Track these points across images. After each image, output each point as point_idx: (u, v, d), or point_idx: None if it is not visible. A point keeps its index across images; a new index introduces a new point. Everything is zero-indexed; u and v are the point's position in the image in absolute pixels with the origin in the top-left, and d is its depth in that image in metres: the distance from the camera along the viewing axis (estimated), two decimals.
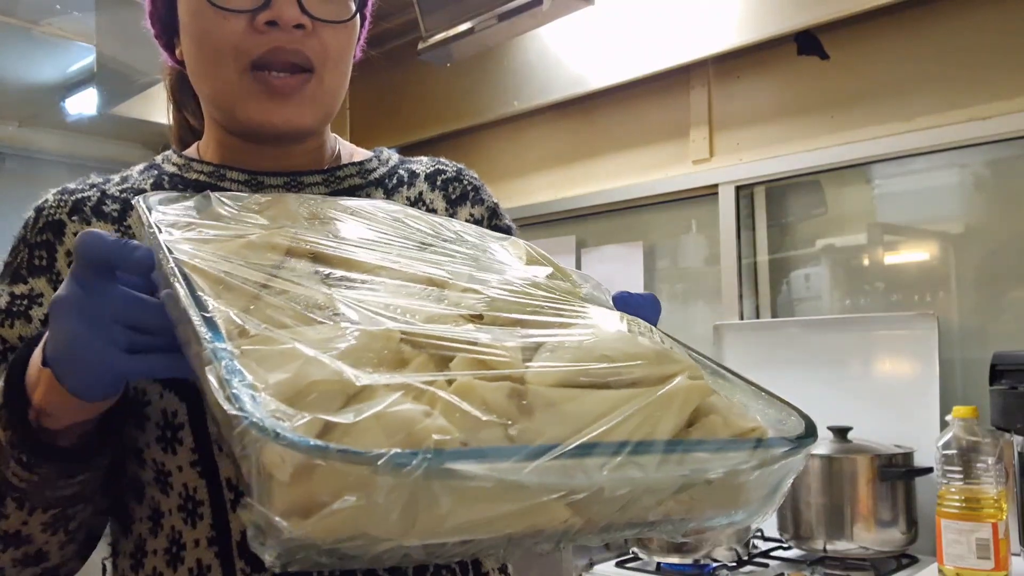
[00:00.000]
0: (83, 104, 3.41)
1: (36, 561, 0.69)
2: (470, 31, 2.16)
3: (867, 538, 1.56)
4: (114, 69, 2.57)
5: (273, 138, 0.76)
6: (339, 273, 0.53)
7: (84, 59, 3.10)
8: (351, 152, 0.86)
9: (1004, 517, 1.36)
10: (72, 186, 0.80)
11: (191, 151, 0.84)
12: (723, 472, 0.45)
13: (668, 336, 0.58)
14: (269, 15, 0.69)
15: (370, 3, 0.80)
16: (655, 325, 0.59)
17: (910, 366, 1.74)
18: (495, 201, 0.90)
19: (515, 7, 2.09)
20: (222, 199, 0.62)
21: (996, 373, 1.47)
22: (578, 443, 0.40)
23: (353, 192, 0.80)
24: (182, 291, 0.47)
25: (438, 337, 0.47)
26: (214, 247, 0.53)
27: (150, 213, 0.58)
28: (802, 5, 1.92)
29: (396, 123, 2.92)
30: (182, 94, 0.87)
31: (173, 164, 0.82)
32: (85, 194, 0.78)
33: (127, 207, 0.77)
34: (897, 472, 1.57)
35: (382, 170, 0.84)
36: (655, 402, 0.45)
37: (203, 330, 0.44)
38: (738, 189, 2.11)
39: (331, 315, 0.48)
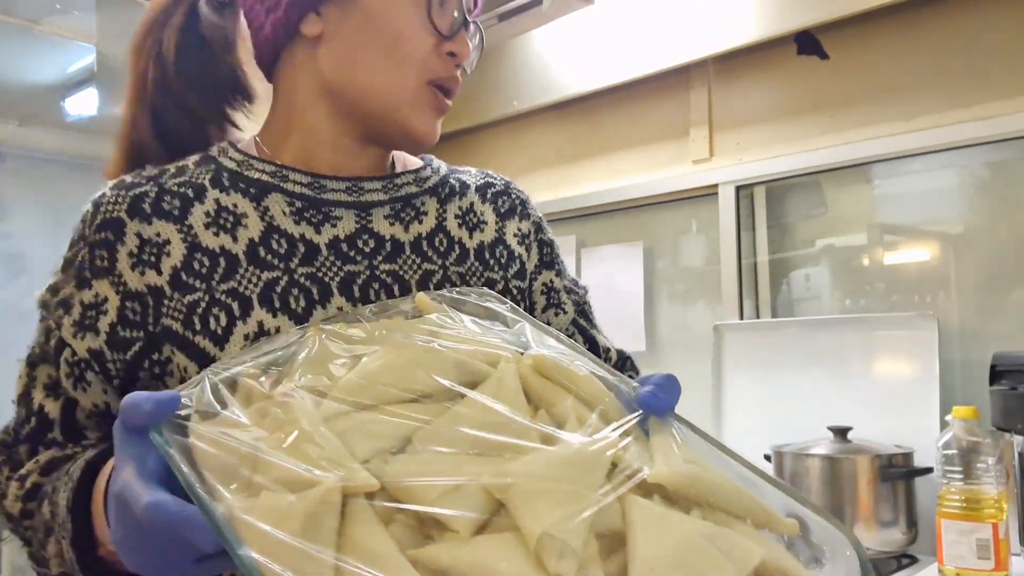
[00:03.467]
0: (83, 104, 3.41)
1: None
2: None
3: (867, 538, 1.56)
4: (114, 69, 2.58)
5: (410, 147, 0.82)
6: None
7: (84, 59, 3.10)
8: (404, 160, 0.87)
9: (1004, 517, 1.36)
10: (128, 179, 0.78)
11: (246, 146, 0.82)
12: None
13: (713, 443, 0.54)
14: (454, 47, 0.77)
15: None
16: (673, 408, 0.55)
17: (910, 366, 1.74)
18: (540, 215, 0.91)
19: (515, 7, 2.09)
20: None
21: (996, 373, 1.47)
22: None
23: (409, 201, 0.82)
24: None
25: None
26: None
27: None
28: (802, 5, 1.92)
29: None
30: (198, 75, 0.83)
31: (231, 159, 0.80)
32: (142, 189, 0.76)
33: (187, 203, 0.76)
34: (897, 472, 1.57)
35: (435, 179, 0.85)
36: None
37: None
38: (738, 189, 2.11)
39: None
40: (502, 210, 0.87)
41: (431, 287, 0.77)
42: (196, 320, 0.72)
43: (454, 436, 0.48)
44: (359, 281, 0.75)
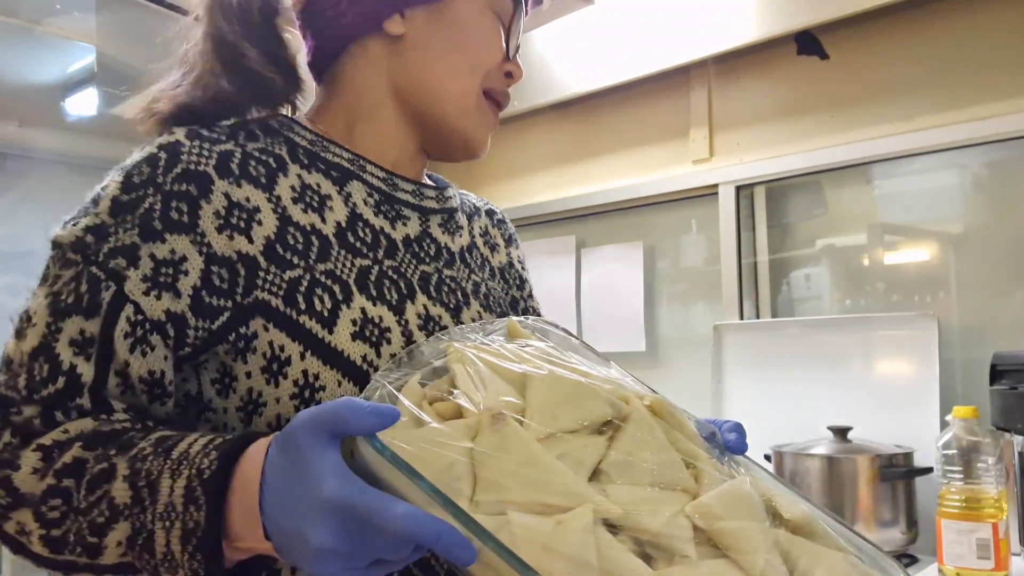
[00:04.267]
0: (83, 104, 3.41)
1: None
2: None
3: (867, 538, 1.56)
4: (114, 69, 2.58)
5: (463, 155, 0.84)
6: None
7: (84, 59, 3.11)
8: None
9: (1004, 517, 1.36)
10: (206, 133, 0.73)
11: (311, 124, 0.81)
12: None
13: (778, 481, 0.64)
14: (512, 68, 0.83)
15: None
16: (744, 452, 0.68)
17: (910, 366, 1.74)
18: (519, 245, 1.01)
19: None
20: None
21: (996, 373, 1.47)
22: None
23: (452, 214, 0.86)
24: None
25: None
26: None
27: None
28: (802, 5, 1.92)
29: None
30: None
31: (301, 136, 0.79)
32: (227, 147, 0.72)
33: (272, 173, 0.73)
34: (897, 472, 1.57)
35: (456, 197, 0.90)
36: None
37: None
38: (738, 189, 2.11)
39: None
40: (506, 236, 0.97)
41: (482, 297, 0.83)
42: (300, 298, 0.69)
43: (640, 468, 0.54)
44: (433, 281, 0.78)
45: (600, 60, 2.30)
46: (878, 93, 1.90)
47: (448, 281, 0.80)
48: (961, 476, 1.39)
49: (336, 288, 0.71)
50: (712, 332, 2.03)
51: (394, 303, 0.73)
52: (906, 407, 1.70)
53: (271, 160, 0.74)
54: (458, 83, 0.79)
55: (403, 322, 0.72)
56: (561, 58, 2.40)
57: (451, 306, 0.78)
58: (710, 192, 2.16)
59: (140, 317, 0.65)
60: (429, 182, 0.88)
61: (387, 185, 0.80)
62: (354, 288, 0.72)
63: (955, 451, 1.40)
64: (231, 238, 0.69)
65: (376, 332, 0.70)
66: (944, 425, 1.47)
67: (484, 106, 0.82)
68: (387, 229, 0.77)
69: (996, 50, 1.75)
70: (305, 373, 0.67)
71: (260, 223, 0.70)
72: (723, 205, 2.12)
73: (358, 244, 0.74)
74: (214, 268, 0.67)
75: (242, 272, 0.68)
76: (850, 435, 1.63)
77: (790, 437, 1.76)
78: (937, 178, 1.86)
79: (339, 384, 0.68)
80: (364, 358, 0.69)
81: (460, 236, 0.86)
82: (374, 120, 0.81)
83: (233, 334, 0.68)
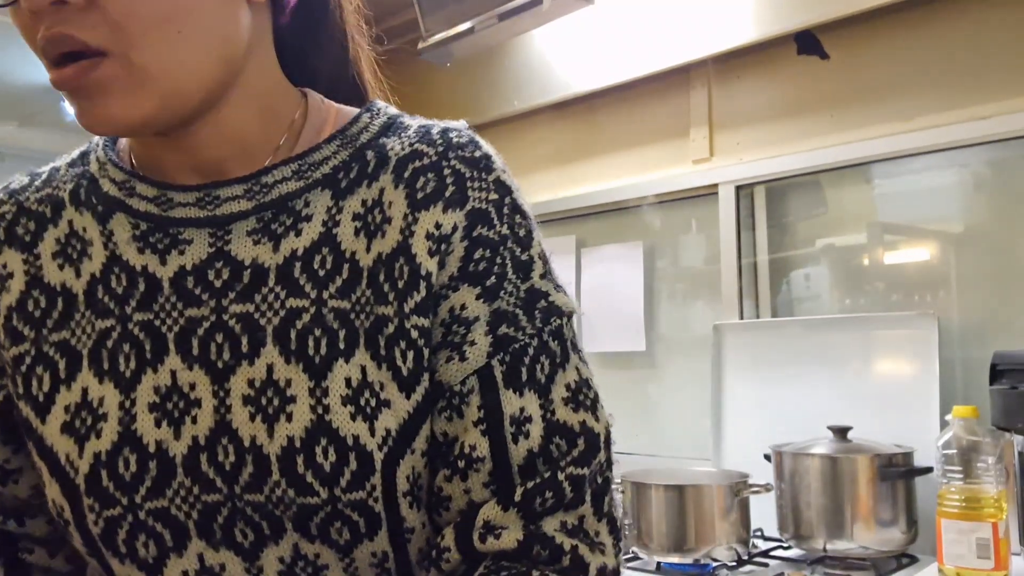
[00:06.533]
0: None
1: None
2: (470, 31, 2.15)
3: (867, 538, 1.56)
4: None
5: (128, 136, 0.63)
6: None
7: None
8: (322, 124, 0.64)
9: (1004, 517, 1.36)
10: (13, 186, 0.66)
11: (125, 141, 0.65)
12: None
13: None
14: (21, 3, 0.51)
15: None
16: None
17: (910, 366, 1.74)
18: (494, 197, 0.61)
19: (515, 7, 2.09)
20: None
21: (996, 373, 1.47)
22: None
23: (287, 203, 0.59)
24: None
25: None
26: None
27: None
28: (802, 5, 1.92)
29: None
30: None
31: (97, 160, 0.64)
32: (2, 210, 0.64)
33: (42, 223, 0.62)
34: (897, 472, 1.57)
35: (340, 157, 0.61)
36: None
37: None
38: (738, 189, 2.11)
39: None
40: (419, 195, 0.59)
41: (294, 337, 0.56)
42: (20, 379, 0.59)
43: None
44: (200, 331, 0.57)
45: (600, 60, 2.30)
46: (878, 93, 1.90)
47: (230, 323, 0.57)
48: (961, 476, 1.39)
49: (62, 363, 0.58)
50: (712, 332, 2.03)
51: (128, 376, 0.57)
52: (906, 407, 1.70)
53: (47, 208, 0.63)
54: None
55: (128, 403, 0.56)
56: (561, 58, 2.40)
57: (218, 367, 0.56)
58: (710, 192, 2.16)
59: None
60: (235, 173, 0.60)
61: (158, 206, 0.59)
62: (85, 361, 0.58)
63: (955, 451, 1.40)
64: None
65: (88, 421, 0.56)
66: (944, 425, 1.48)
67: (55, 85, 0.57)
68: (152, 267, 0.58)
69: (996, 50, 1.75)
70: (35, 465, 0.60)
71: (8, 290, 0.61)
72: (723, 205, 2.12)
73: (106, 299, 0.59)
74: None
75: None
76: (850, 435, 1.63)
77: (790, 437, 1.76)
78: (937, 178, 1.86)
79: (50, 485, 0.58)
80: (67, 457, 0.56)
81: (299, 234, 0.59)
82: None
83: (4, 419, 0.62)
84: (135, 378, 0.57)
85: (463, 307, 0.58)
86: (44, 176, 0.66)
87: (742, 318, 2.08)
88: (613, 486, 0.61)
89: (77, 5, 0.50)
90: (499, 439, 0.57)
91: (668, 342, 2.29)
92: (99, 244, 0.60)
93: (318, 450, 0.54)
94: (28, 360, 0.59)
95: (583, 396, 0.60)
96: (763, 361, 1.94)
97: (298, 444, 0.54)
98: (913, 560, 1.59)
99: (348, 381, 0.55)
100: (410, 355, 0.56)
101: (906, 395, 1.72)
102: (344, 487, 0.54)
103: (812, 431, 1.72)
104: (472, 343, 0.57)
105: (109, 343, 0.58)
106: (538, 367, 0.58)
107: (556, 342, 0.60)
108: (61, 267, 0.60)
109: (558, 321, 0.60)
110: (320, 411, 0.54)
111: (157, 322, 0.57)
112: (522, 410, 0.57)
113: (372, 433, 0.55)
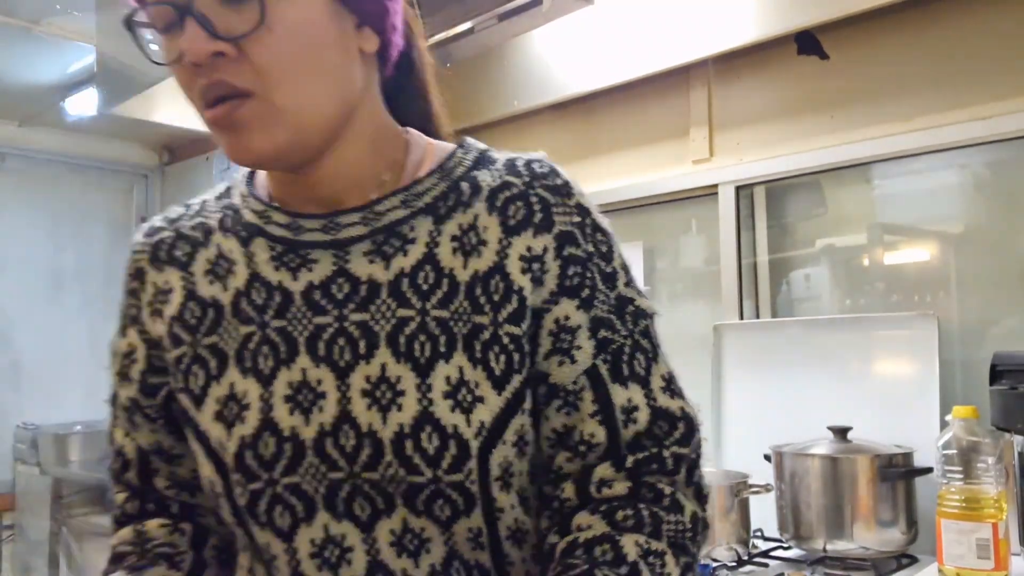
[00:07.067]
0: (83, 104, 3.41)
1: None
2: (470, 31, 2.16)
3: (867, 538, 1.56)
4: (114, 69, 2.57)
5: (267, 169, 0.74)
6: None
7: (84, 59, 3.10)
8: (421, 159, 0.75)
9: (1004, 517, 1.36)
10: (157, 223, 0.79)
11: (264, 175, 0.77)
12: None
13: None
14: (186, 59, 0.63)
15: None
16: None
17: (910, 366, 1.74)
18: (577, 220, 0.73)
19: (515, 7, 2.09)
20: None
21: (996, 373, 1.47)
22: None
23: (395, 228, 0.70)
24: None
25: None
26: None
27: None
28: (802, 5, 1.92)
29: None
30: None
31: (240, 195, 0.76)
32: (163, 235, 0.77)
33: (196, 247, 0.75)
34: (897, 472, 1.57)
35: (439, 188, 0.72)
36: None
37: None
38: (738, 189, 2.11)
39: None
40: (511, 222, 0.70)
41: (403, 341, 0.67)
42: (180, 376, 0.72)
43: None
44: (326, 336, 0.68)
45: (600, 60, 2.30)
46: (878, 93, 1.90)
47: (350, 329, 0.67)
48: (961, 476, 1.39)
49: (213, 363, 0.70)
50: (712, 332, 2.03)
51: (266, 373, 0.68)
52: (906, 407, 1.70)
53: (198, 233, 0.76)
54: None
55: (267, 395, 0.67)
56: (561, 58, 2.40)
57: (340, 365, 0.67)
58: (710, 192, 2.16)
59: (121, 403, 0.77)
60: (352, 204, 0.72)
61: (290, 231, 0.71)
62: (232, 360, 0.70)
63: (955, 451, 1.40)
64: (154, 322, 0.75)
65: (235, 410, 0.68)
66: (944, 425, 1.47)
67: (209, 125, 0.69)
68: (286, 282, 0.70)
69: (996, 50, 1.74)
70: (194, 450, 0.73)
71: (170, 303, 0.74)
72: (723, 205, 2.12)
73: (248, 309, 0.70)
74: (152, 351, 0.75)
75: (156, 352, 0.75)
76: (850, 435, 1.63)
77: (790, 437, 1.76)
78: (937, 178, 1.86)
79: (204, 464, 0.70)
80: (218, 440, 0.68)
81: (405, 254, 0.69)
82: None
83: (173, 405, 0.74)
84: (272, 375, 0.68)
85: (566, 318, 0.69)
86: (196, 207, 0.79)
87: (742, 318, 2.08)
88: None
89: (231, 56, 0.63)
90: (613, 426, 0.68)
91: (668, 342, 2.28)
92: (242, 264, 0.72)
93: (423, 436, 0.64)
94: (186, 360, 0.71)
95: (675, 386, 0.73)
96: (763, 361, 1.94)
97: (407, 431, 0.64)
98: (913, 560, 1.59)
99: (448, 379, 0.66)
100: (502, 358, 0.67)
101: (906, 395, 1.71)
102: (445, 469, 0.64)
103: (812, 431, 1.72)
104: (579, 347, 0.69)
105: (251, 345, 0.69)
106: (635, 362, 0.71)
107: (646, 340, 0.73)
108: (211, 283, 0.73)
109: (645, 322, 0.73)
110: (425, 403, 0.65)
111: (290, 328, 0.69)
112: (629, 400, 0.69)
113: (468, 424, 0.65)
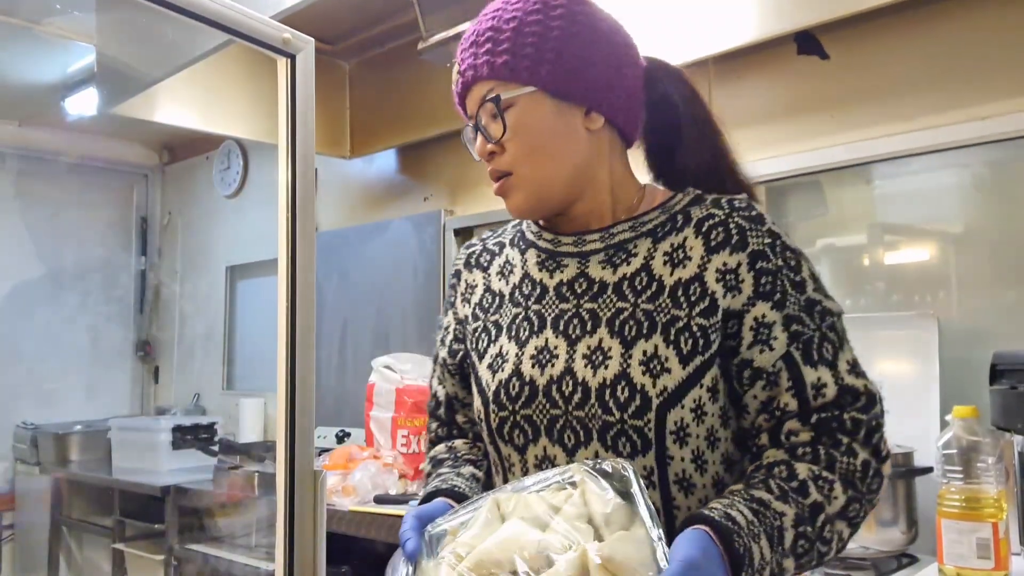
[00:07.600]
0: (83, 104, 3.41)
1: None
2: None
3: (867, 538, 1.56)
4: (114, 69, 2.57)
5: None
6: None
7: (84, 59, 3.11)
8: (652, 201, 1.01)
9: (1004, 517, 1.36)
10: (474, 241, 1.11)
11: None
12: None
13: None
14: (479, 156, 1.00)
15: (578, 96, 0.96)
16: None
17: (910, 366, 1.74)
18: (767, 241, 0.92)
19: None
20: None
21: (996, 373, 1.47)
22: None
23: (623, 245, 0.96)
24: None
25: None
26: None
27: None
28: (802, 5, 1.92)
29: (396, 123, 2.92)
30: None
31: (526, 223, 1.07)
32: (474, 249, 1.10)
33: (493, 256, 1.07)
34: (897, 472, 1.57)
35: (660, 219, 0.97)
36: None
37: None
38: None
39: None
40: (713, 243, 0.92)
41: (617, 324, 0.92)
42: (472, 340, 1.03)
43: None
44: (566, 317, 0.95)
45: None
46: (878, 93, 1.90)
47: (583, 314, 0.94)
48: (961, 476, 1.39)
49: (493, 331, 1.00)
50: None
51: (523, 339, 0.96)
52: (906, 407, 1.70)
53: (496, 247, 1.08)
54: None
55: (520, 355, 0.95)
56: None
57: (572, 337, 0.93)
58: None
59: (439, 362, 1.10)
60: (595, 227, 1.00)
61: (552, 244, 1.00)
62: (504, 331, 0.99)
63: (955, 451, 1.40)
64: (463, 307, 1.07)
65: (499, 363, 0.97)
66: (944, 425, 1.48)
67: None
68: (545, 280, 0.98)
69: (996, 50, 1.75)
70: (474, 392, 1.03)
71: (475, 293, 1.06)
72: None
73: (519, 297, 1.00)
74: (457, 327, 1.07)
75: (460, 327, 1.06)
76: None
77: None
78: (937, 178, 1.86)
79: (477, 400, 1.00)
80: (486, 383, 0.98)
81: (628, 264, 0.95)
82: None
83: (466, 363, 1.05)
84: (526, 341, 0.96)
85: (763, 316, 0.89)
86: (500, 230, 1.11)
87: None
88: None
89: (497, 151, 0.96)
90: (804, 398, 0.87)
91: None
92: (519, 266, 1.03)
93: (619, 388, 0.88)
94: (479, 331, 1.02)
95: (859, 368, 0.89)
96: None
97: (608, 383, 0.89)
98: (913, 560, 1.59)
99: (645, 352, 0.89)
100: (690, 342, 0.89)
101: (906, 395, 1.72)
102: (631, 414, 0.87)
103: None
104: (775, 338, 0.88)
105: (517, 321, 0.98)
106: (824, 350, 0.88)
107: (832, 333, 0.90)
108: (500, 279, 1.04)
109: (831, 319, 0.91)
110: (624, 367, 0.89)
111: (543, 311, 0.97)
112: (819, 379, 0.87)
113: (654, 386, 0.87)
